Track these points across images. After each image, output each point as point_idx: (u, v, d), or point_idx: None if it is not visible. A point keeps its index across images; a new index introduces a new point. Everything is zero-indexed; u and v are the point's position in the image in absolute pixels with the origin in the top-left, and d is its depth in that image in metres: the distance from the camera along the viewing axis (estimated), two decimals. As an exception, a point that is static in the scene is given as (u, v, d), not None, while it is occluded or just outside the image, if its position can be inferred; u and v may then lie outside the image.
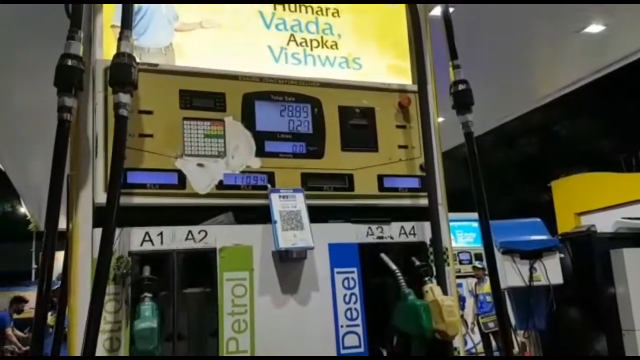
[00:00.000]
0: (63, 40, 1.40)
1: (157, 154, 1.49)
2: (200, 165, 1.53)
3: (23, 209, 16.34)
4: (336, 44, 1.84)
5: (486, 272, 6.92)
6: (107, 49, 1.53)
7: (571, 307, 5.14)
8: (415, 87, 1.80)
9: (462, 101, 1.79)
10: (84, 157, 1.45)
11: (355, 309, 1.60)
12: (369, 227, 1.68)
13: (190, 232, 1.49)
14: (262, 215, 1.54)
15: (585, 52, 6.33)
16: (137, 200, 1.45)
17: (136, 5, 1.51)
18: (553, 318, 4.95)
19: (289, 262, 1.54)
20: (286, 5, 1.80)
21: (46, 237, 1.33)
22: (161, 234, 1.46)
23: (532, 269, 4.78)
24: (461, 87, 1.79)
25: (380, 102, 1.78)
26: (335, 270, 1.61)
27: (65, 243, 1.49)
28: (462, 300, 7.58)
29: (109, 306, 1.36)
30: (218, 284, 1.47)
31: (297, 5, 1.82)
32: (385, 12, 1.93)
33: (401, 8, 1.94)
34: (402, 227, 1.72)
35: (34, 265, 20.55)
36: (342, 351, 1.56)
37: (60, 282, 1.71)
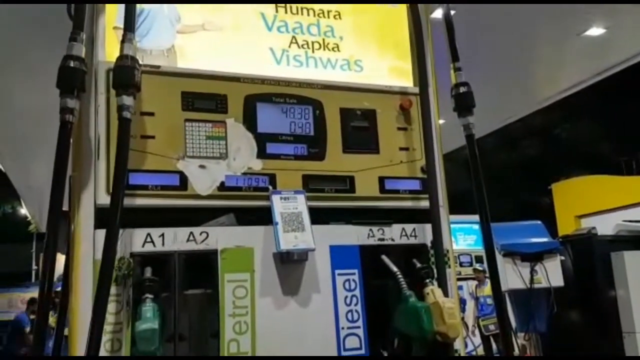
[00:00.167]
0: (65, 42, 1.41)
1: (158, 156, 1.50)
2: (201, 166, 1.53)
3: (24, 210, 16.34)
4: (338, 46, 1.84)
5: (487, 275, 6.92)
6: (109, 50, 1.54)
7: (572, 309, 5.13)
8: (416, 89, 1.81)
9: (464, 103, 1.79)
10: (86, 159, 1.45)
11: (356, 311, 1.60)
12: (370, 229, 1.68)
13: (191, 233, 1.49)
14: (263, 216, 1.54)
15: (586, 55, 6.33)
16: (139, 201, 1.46)
17: (138, 7, 1.52)
18: (554, 321, 4.94)
19: (290, 263, 1.54)
20: (288, 8, 1.80)
21: (48, 238, 1.33)
22: (163, 235, 1.46)
23: (532, 272, 4.77)
24: (462, 89, 1.80)
25: (382, 104, 1.79)
26: (336, 272, 1.61)
27: (66, 244, 1.50)
28: (462, 302, 7.58)
29: (110, 307, 1.36)
30: (219, 286, 1.47)
31: (299, 7, 1.82)
32: (386, 15, 1.94)
33: (402, 10, 1.94)
34: (403, 229, 1.72)
35: (34, 267, 20.55)
36: (343, 353, 1.56)
37: (60, 283, 1.72)
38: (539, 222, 5.29)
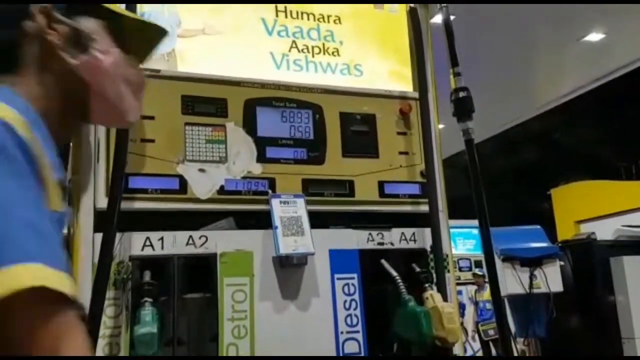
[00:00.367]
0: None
1: (158, 159, 1.50)
2: (201, 170, 1.53)
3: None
4: (338, 51, 1.85)
5: (486, 280, 6.91)
6: (109, 54, 1.54)
7: (571, 315, 5.13)
8: (416, 94, 1.81)
9: (463, 108, 1.79)
10: (85, 162, 1.45)
11: (356, 315, 1.60)
12: (370, 233, 1.68)
13: (191, 237, 1.49)
14: (262, 220, 1.54)
15: (585, 60, 6.35)
16: (138, 205, 1.46)
17: (138, 11, 1.52)
18: (553, 326, 4.93)
19: (289, 267, 1.54)
20: (288, 12, 1.81)
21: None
22: (162, 238, 1.46)
23: (532, 277, 4.76)
24: (462, 94, 1.80)
25: (381, 109, 1.79)
26: (336, 276, 1.61)
27: (66, 248, 1.50)
28: (462, 307, 7.56)
29: (109, 311, 1.36)
30: (218, 289, 1.47)
31: (299, 12, 1.83)
32: (386, 19, 1.94)
33: (402, 15, 1.94)
34: (403, 233, 1.72)
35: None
36: (342, 357, 1.55)
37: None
38: (539, 227, 5.28)
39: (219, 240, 1.51)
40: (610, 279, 4.93)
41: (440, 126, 1.88)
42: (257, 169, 1.60)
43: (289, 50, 1.79)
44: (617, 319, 4.85)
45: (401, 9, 1.95)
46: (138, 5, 1.51)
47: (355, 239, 1.66)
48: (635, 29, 5.63)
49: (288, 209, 1.55)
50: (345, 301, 1.60)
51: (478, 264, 7.48)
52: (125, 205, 1.39)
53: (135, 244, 1.44)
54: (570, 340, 5.13)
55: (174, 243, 1.47)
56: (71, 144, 1.41)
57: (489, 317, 7.23)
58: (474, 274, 7.58)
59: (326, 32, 1.85)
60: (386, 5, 1.95)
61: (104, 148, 1.45)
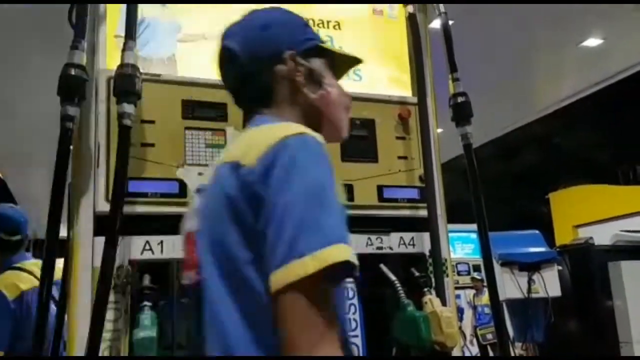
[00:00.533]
0: (66, 48, 1.41)
1: (158, 163, 1.50)
2: (201, 174, 1.54)
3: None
4: (337, 56, 1.85)
5: (485, 284, 6.90)
6: (110, 58, 1.55)
7: (569, 319, 5.13)
8: (415, 99, 1.82)
9: (462, 113, 1.81)
10: (85, 166, 1.46)
11: (354, 320, 1.60)
12: (369, 238, 1.68)
13: (190, 241, 1.49)
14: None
15: (583, 65, 6.37)
16: (138, 209, 1.46)
17: (139, 16, 1.53)
18: (551, 330, 4.93)
19: (288, 272, 1.54)
20: (288, 17, 1.81)
21: (47, 245, 1.33)
22: (162, 242, 1.46)
23: (530, 281, 4.76)
24: (460, 99, 1.81)
25: (381, 114, 1.80)
26: (335, 280, 1.60)
27: (65, 251, 1.50)
28: (460, 311, 7.55)
29: (108, 315, 1.36)
30: (218, 294, 1.47)
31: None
32: (385, 25, 1.95)
33: (401, 21, 1.95)
34: (402, 237, 1.73)
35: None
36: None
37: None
38: (537, 231, 5.29)
39: (219, 244, 1.51)
40: (608, 283, 4.93)
41: (439, 130, 1.88)
42: (257, 173, 1.60)
43: (289, 55, 1.79)
44: (614, 324, 4.85)
45: (400, 15, 1.96)
46: (139, 5, 1.52)
47: (354, 243, 1.66)
48: (634, 34, 5.65)
49: (287, 213, 1.55)
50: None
51: (476, 268, 7.48)
52: (125, 209, 1.39)
53: (135, 247, 1.44)
54: (568, 344, 5.14)
55: (174, 247, 1.47)
56: (71, 147, 1.41)
57: (487, 321, 7.23)
58: (473, 278, 7.58)
59: (326, 37, 1.86)
60: (385, 11, 1.96)
61: (104, 152, 1.45)
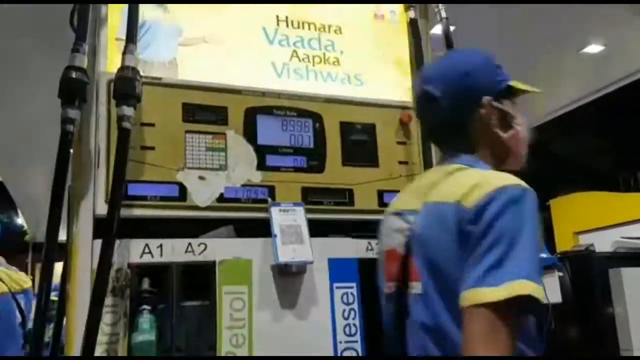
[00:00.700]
0: (66, 50, 1.41)
1: (158, 167, 1.50)
2: (201, 178, 1.53)
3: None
4: (338, 60, 1.86)
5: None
6: (111, 61, 1.55)
7: (569, 326, 5.11)
8: (416, 104, 1.82)
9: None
10: (85, 169, 1.46)
11: (354, 325, 1.59)
12: (369, 242, 1.68)
13: (190, 244, 1.49)
14: (262, 228, 1.54)
15: (584, 72, 6.37)
16: (138, 212, 1.46)
17: (140, 20, 1.53)
18: (551, 337, 4.92)
19: (288, 276, 1.54)
20: (289, 22, 1.82)
21: (46, 247, 1.33)
22: (161, 246, 1.46)
23: (530, 288, 4.76)
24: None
25: (381, 118, 1.80)
26: (335, 285, 1.60)
27: (64, 254, 1.49)
28: (460, 317, 7.53)
29: (107, 318, 1.35)
30: (217, 298, 1.47)
31: (300, 22, 1.84)
32: (387, 30, 1.95)
33: (403, 26, 1.96)
34: (402, 243, 1.72)
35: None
36: (340, 367, 1.55)
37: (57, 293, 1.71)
38: (537, 237, 5.28)
39: (218, 248, 1.51)
40: (608, 290, 4.90)
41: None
42: (257, 177, 1.60)
43: (290, 59, 1.79)
44: (615, 331, 4.82)
45: (402, 20, 1.97)
46: (140, 5, 1.52)
47: (354, 248, 1.66)
48: (635, 41, 5.65)
49: (287, 217, 1.55)
50: (344, 310, 1.59)
51: (476, 274, 7.44)
52: (124, 212, 1.39)
53: (134, 251, 1.43)
54: (568, 351, 5.11)
55: (173, 250, 1.47)
56: (71, 150, 1.41)
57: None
58: (473, 284, 7.54)
59: (327, 41, 1.86)
60: (387, 16, 1.96)
61: (104, 155, 1.45)
